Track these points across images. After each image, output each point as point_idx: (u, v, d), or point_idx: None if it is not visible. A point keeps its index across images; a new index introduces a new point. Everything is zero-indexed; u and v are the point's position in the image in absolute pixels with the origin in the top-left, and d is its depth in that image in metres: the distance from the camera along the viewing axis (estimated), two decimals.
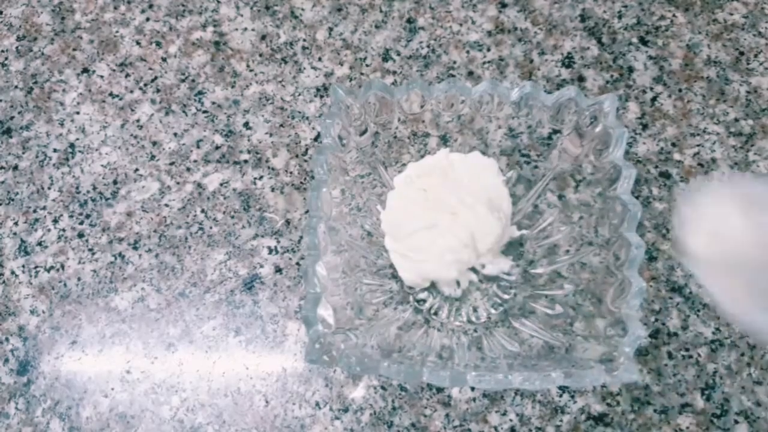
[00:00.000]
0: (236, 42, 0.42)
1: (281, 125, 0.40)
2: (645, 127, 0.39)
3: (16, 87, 0.42)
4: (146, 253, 0.37)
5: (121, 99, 0.41)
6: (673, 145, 0.38)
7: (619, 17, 0.42)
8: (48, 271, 0.37)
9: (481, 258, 0.33)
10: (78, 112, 0.41)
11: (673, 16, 0.41)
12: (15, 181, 0.39)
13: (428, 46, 0.41)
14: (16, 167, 0.40)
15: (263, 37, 0.42)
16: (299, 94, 0.40)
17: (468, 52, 0.41)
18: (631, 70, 0.40)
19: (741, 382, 0.33)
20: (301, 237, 0.37)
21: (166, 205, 0.38)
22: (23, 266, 0.37)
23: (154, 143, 0.40)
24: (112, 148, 0.40)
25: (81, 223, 0.38)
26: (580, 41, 0.41)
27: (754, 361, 0.33)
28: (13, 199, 0.39)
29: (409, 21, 0.42)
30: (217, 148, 0.39)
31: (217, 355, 0.35)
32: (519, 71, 0.40)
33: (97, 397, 0.34)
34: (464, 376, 0.26)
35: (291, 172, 0.39)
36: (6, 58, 0.43)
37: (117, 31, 0.43)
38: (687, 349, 0.34)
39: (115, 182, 0.39)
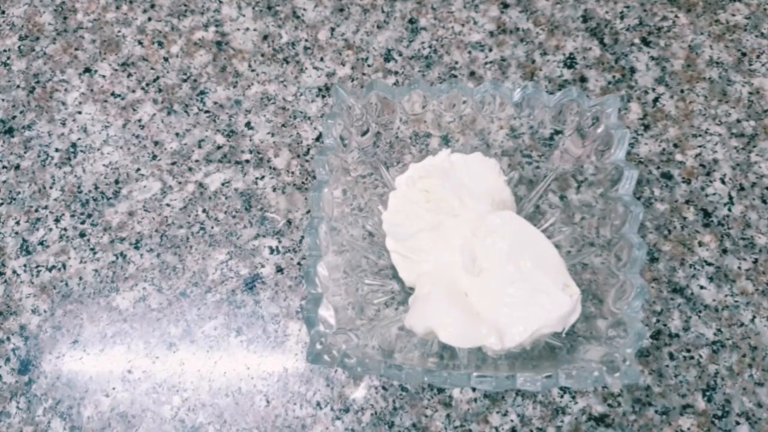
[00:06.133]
0: (238, 42, 0.42)
1: (283, 125, 0.40)
2: (647, 127, 0.39)
3: (18, 86, 0.42)
4: (148, 252, 0.37)
5: (123, 99, 0.41)
6: (675, 146, 0.38)
7: (621, 18, 0.42)
8: (49, 270, 0.37)
9: None
10: (80, 112, 0.41)
11: (675, 16, 0.41)
12: (17, 181, 0.39)
13: (430, 47, 0.41)
14: (17, 167, 0.40)
15: (265, 37, 0.42)
16: (301, 94, 0.40)
17: (470, 52, 0.41)
18: (633, 70, 0.40)
19: (742, 383, 0.33)
20: (303, 237, 0.37)
21: (168, 205, 0.38)
22: (25, 265, 0.37)
23: (156, 143, 0.40)
24: (114, 148, 0.40)
25: (82, 222, 0.38)
26: (582, 42, 0.41)
27: (755, 363, 0.33)
28: (14, 199, 0.39)
29: (411, 21, 0.42)
30: (219, 147, 0.39)
31: (218, 354, 0.35)
32: (521, 72, 0.40)
33: (98, 396, 0.34)
34: (465, 377, 0.26)
35: (292, 172, 0.39)
36: (8, 58, 0.43)
37: (119, 31, 0.43)
38: (688, 350, 0.34)
39: (116, 182, 0.39)
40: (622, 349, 0.27)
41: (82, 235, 0.38)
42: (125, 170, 0.39)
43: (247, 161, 0.39)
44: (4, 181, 0.39)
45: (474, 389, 0.33)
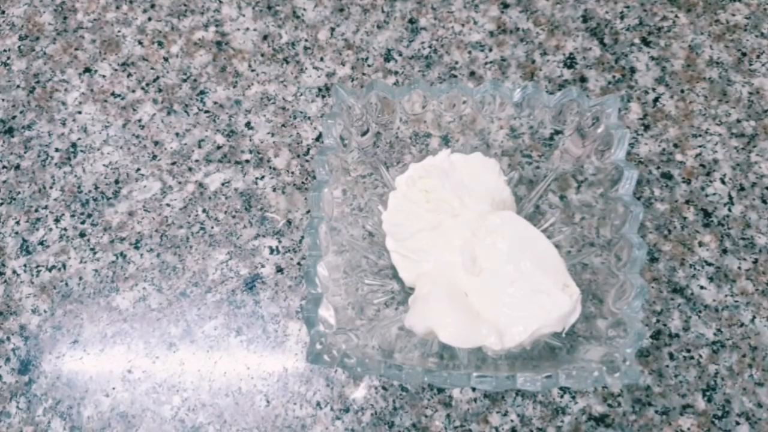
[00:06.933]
0: (238, 42, 0.42)
1: (283, 125, 0.40)
2: (647, 127, 0.39)
3: (18, 86, 0.42)
4: (148, 252, 0.37)
5: (123, 99, 0.41)
6: (675, 146, 0.38)
7: (621, 18, 0.42)
8: (49, 270, 0.37)
9: None
10: (80, 112, 0.41)
11: (675, 16, 0.41)
12: (17, 181, 0.39)
13: (430, 47, 0.41)
14: (18, 167, 0.40)
15: (265, 37, 0.42)
16: (301, 94, 0.40)
17: (470, 52, 0.41)
18: (633, 70, 0.40)
19: (742, 383, 0.33)
20: (303, 237, 0.37)
21: (168, 205, 0.38)
22: (25, 265, 0.37)
23: (156, 143, 0.40)
24: (114, 148, 0.40)
25: (83, 222, 0.38)
26: (582, 42, 0.41)
27: (755, 363, 0.33)
28: (14, 199, 0.39)
29: (411, 21, 0.42)
30: (219, 147, 0.39)
31: (218, 354, 0.35)
32: (521, 72, 0.40)
33: (98, 396, 0.34)
34: (465, 377, 0.26)
35: (292, 172, 0.39)
36: (8, 58, 0.43)
37: (119, 31, 0.43)
38: (688, 350, 0.34)
39: (116, 182, 0.39)
40: (622, 349, 0.27)
41: (82, 235, 0.38)
42: (125, 170, 0.39)
43: (247, 161, 0.39)
44: (4, 181, 0.39)
45: (474, 389, 0.33)
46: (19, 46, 0.43)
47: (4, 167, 0.40)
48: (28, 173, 0.40)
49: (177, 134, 0.40)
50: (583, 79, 0.40)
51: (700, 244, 0.36)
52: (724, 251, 0.36)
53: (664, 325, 0.34)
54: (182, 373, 0.35)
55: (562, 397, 0.33)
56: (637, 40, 0.41)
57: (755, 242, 0.36)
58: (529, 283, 0.29)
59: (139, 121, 0.40)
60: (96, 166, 0.39)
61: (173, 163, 0.39)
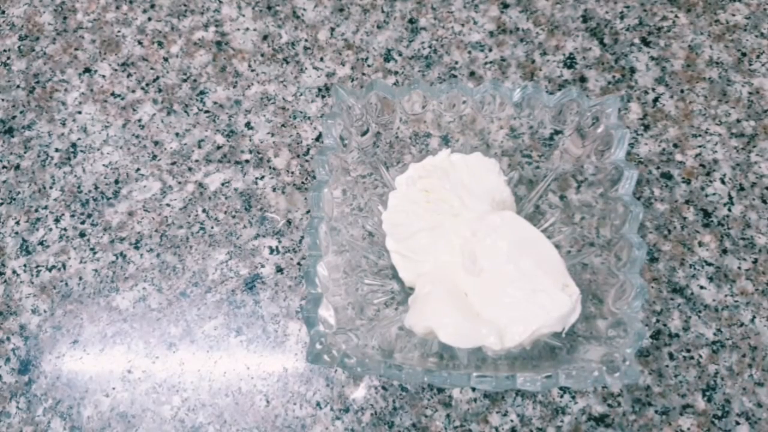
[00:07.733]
0: (238, 42, 0.42)
1: (283, 125, 0.40)
2: (647, 127, 0.39)
3: (18, 86, 0.42)
4: (147, 252, 0.37)
5: (122, 99, 0.41)
6: (675, 146, 0.38)
7: (621, 18, 0.42)
8: (49, 270, 0.37)
9: None
10: (80, 112, 0.41)
11: (675, 16, 0.41)
12: (17, 181, 0.39)
13: (430, 47, 0.41)
14: (17, 167, 0.40)
15: (265, 37, 0.42)
16: (301, 95, 0.40)
17: (470, 52, 0.41)
18: (632, 70, 0.40)
19: (742, 383, 0.33)
20: (303, 237, 0.37)
21: (168, 205, 0.38)
22: (25, 265, 0.37)
23: (156, 143, 0.40)
24: (114, 148, 0.40)
25: (82, 222, 0.38)
26: (582, 42, 0.41)
27: (755, 363, 0.33)
28: (14, 199, 0.39)
29: (410, 21, 0.42)
30: (219, 148, 0.39)
31: (218, 354, 0.35)
32: (521, 72, 0.40)
33: (98, 396, 0.34)
34: (465, 377, 0.26)
35: (292, 172, 0.39)
36: (8, 58, 0.43)
37: (119, 31, 0.43)
38: (688, 350, 0.34)
39: (116, 182, 0.39)
40: (622, 349, 0.27)
41: (82, 235, 0.38)
42: (125, 170, 0.39)
43: (247, 161, 0.39)
44: (4, 181, 0.39)
45: (474, 389, 0.33)
46: (19, 46, 0.43)
47: (4, 167, 0.40)
48: (28, 173, 0.40)
49: (177, 134, 0.40)
50: (583, 79, 0.40)
51: (700, 244, 0.36)
52: (724, 251, 0.36)
53: (664, 325, 0.34)
54: (182, 373, 0.35)
55: (562, 397, 0.33)
56: (637, 40, 0.41)
57: (755, 242, 0.36)
58: (529, 283, 0.29)
59: (139, 121, 0.40)
60: (96, 166, 0.39)
61: (173, 163, 0.39)
